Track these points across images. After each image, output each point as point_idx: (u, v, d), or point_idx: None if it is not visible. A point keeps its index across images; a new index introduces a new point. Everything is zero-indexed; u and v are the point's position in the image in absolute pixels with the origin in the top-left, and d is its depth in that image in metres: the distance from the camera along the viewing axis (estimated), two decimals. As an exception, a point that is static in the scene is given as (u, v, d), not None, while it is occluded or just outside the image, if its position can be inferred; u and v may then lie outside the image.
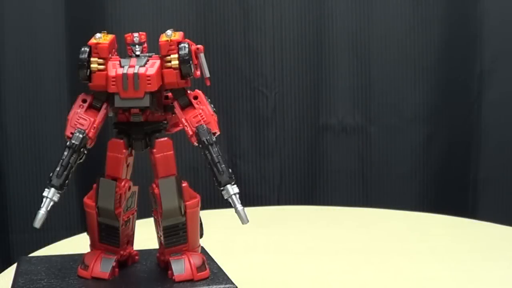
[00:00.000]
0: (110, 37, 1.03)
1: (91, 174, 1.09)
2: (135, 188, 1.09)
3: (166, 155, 1.04)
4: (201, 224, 1.09)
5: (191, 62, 1.01)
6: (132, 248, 1.12)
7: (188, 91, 1.04)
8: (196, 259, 1.05)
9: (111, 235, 1.06)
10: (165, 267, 1.07)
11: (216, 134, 1.03)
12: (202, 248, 1.11)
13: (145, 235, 1.15)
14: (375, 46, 1.94)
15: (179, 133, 1.10)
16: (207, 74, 1.05)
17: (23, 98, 1.79)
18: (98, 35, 1.03)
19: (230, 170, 1.00)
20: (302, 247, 1.34)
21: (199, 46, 1.04)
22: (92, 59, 1.02)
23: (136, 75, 1.00)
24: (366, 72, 1.95)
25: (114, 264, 1.06)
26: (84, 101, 1.04)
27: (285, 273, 1.18)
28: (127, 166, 1.06)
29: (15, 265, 1.15)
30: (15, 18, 1.77)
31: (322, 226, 1.52)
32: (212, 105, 1.05)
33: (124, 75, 1.00)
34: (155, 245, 1.11)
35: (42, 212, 0.98)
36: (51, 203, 0.99)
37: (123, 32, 1.05)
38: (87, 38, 1.04)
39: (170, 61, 1.01)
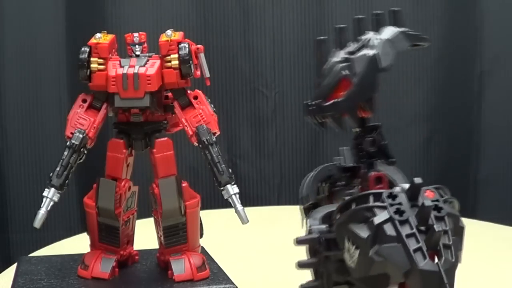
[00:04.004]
0: (110, 37, 1.03)
1: (91, 174, 1.09)
2: (135, 188, 1.09)
3: (166, 155, 1.04)
4: (201, 224, 1.09)
5: (191, 62, 1.01)
6: (132, 248, 1.12)
7: (188, 91, 1.04)
8: (196, 259, 1.05)
9: (111, 235, 1.06)
10: (165, 267, 1.07)
11: (216, 134, 1.03)
12: (202, 248, 1.11)
13: (145, 235, 1.15)
14: (375, 46, 1.94)
15: (179, 133, 1.10)
16: (207, 74, 1.05)
17: (23, 98, 1.79)
18: (98, 35, 1.03)
19: (230, 170, 1.00)
20: (302, 247, 1.34)
21: (199, 46, 1.04)
22: (92, 59, 1.02)
23: (136, 75, 1.00)
24: (366, 72, 1.94)
25: (114, 264, 1.06)
26: (84, 101, 1.04)
27: (285, 273, 1.18)
28: (127, 166, 1.06)
29: (15, 265, 1.15)
30: (15, 18, 1.77)
31: (322, 226, 1.51)
32: (212, 105, 1.05)
33: (124, 75, 1.00)
34: (155, 245, 1.11)
35: (42, 212, 0.98)
36: (51, 203, 0.99)
37: (123, 32, 1.05)
38: (87, 38, 1.04)
39: (170, 61, 1.01)
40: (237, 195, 0.99)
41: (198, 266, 1.04)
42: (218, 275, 1.06)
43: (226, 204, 1.01)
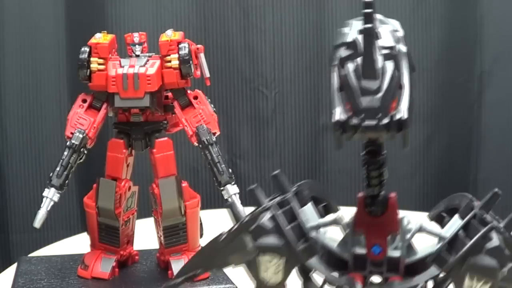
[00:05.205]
0: (110, 37, 1.04)
1: (91, 174, 1.09)
2: (135, 188, 1.09)
3: (166, 155, 1.05)
4: (201, 224, 1.09)
5: (191, 62, 1.01)
6: (132, 248, 1.12)
7: (188, 91, 1.04)
8: (196, 259, 1.05)
9: (111, 235, 1.06)
10: (165, 267, 1.07)
11: (216, 134, 1.03)
12: (202, 248, 1.11)
13: (145, 235, 1.15)
14: (375, 46, 1.93)
15: (179, 133, 1.10)
16: (207, 74, 1.05)
17: (23, 98, 1.79)
18: (98, 35, 1.03)
19: (230, 170, 1.00)
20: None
21: (199, 46, 1.05)
22: (92, 59, 1.02)
23: (136, 75, 1.00)
24: (366, 72, 1.94)
25: (114, 264, 1.06)
26: (84, 101, 1.04)
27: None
28: (127, 166, 1.06)
29: (15, 265, 1.15)
30: (15, 18, 1.77)
31: (322, 226, 1.51)
32: (212, 105, 1.05)
33: (124, 75, 1.00)
34: (155, 245, 1.11)
35: (42, 212, 0.98)
36: (51, 203, 0.99)
37: (123, 32, 1.05)
38: (87, 38, 1.04)
39: (170, 61, 1.01)
40: (237, 195, 0.99)
41: (198, 266, 1.04)
42: (218, 275, 1.06)
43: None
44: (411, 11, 1.90)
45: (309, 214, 0.70)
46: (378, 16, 0.61)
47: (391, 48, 0.59)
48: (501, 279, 0.61)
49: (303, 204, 0.70)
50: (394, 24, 0.62)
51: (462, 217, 0.67)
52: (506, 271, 0.62)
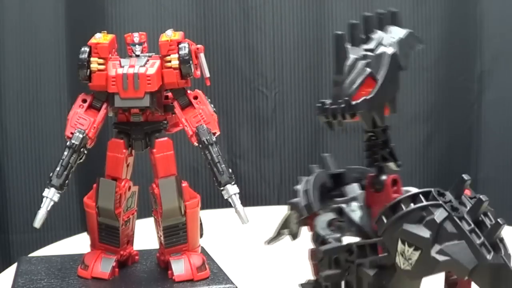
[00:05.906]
0: (110, 37, 1.03)
1: (91, 174, 1.09)
2: (135, 188, 1.09)
3: (166, 155, 1.05)
4: (201, 224, 1.09)
5: (191, 62, 1.01)
6: (132, 248, 1.12)
7: (188, 91, 1.04)
8: (196, 259, 1.05)
9: (111, 235, 1.06)
10: (165, 267, 1.07)
11: (216, 134, 1.03)
12: (202, 248, 1.11)
13: (145, 235, 1.15)
14: (375, 46, 1.93)
15: (179, 133, 1.10)
16: (207, 74, 1.05)
17: (23, 98, 1.79)
18: (98, 35, 1.03)
19: (230, 170, 1.00)
20: (302, 246, 1.34)
21: (199, 46, 1.05)
22: (92, 59, 1.02)
23: (136, 75, 1.00)
24: (366, 72, 1.94)
25: (114, 264, 1.06)
26: (84, 101, 1.04)
27: (285, 273, 1.18)
28: (127, 166, 1.06)
29: (15, 265, 1.15)
30: (16, 18, 1.77)
31: (322, 226, 1.51)
32: (212, 105, 1.05)
33: (124, 75, 1.00)
34: (155, 245, 1.11)
35: (42, 212, 0.98)
36: (51, 203, 0.99)
37: (123, 32, 1.05)
38: (87, 38, 1.04)
39: (170, 61, 1.01)
40: (237, 195, 0.99)
41: (198, 266, 1.04)
42: (218, 275, 1.06)
43: (226, 204, 1.01)
44: (411, 10, 1.90)
45: (350, 191, 0.80)
46: (390, 28, 0.76)
47: (370, 50, 0.74)
48: (441, 253, 0.63)
49: (347, 183, 0.80)
50: (395, 32, 0.76)
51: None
52: (444, 247, 0.63)
